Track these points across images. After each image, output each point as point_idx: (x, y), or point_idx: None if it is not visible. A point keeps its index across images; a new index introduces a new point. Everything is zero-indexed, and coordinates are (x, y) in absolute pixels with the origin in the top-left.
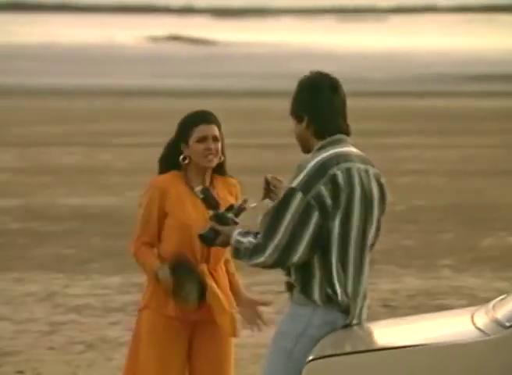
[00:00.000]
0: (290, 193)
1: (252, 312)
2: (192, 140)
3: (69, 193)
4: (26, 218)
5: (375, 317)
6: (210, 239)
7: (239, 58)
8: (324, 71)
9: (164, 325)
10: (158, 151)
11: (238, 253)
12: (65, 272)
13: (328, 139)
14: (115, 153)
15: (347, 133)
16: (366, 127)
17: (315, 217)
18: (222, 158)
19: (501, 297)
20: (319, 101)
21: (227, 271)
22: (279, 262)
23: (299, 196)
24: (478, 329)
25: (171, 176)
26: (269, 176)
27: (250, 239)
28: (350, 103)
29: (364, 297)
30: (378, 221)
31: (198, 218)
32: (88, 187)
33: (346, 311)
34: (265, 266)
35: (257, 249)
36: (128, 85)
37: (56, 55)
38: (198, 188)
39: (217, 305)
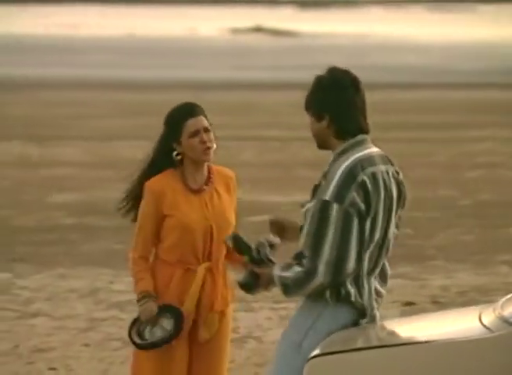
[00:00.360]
0: (326, 206)
1: None
2: (184, 136)
3: None
4: (80, 213)
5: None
6: (251, 285)
7: (322, 50)
8: (343, 67)
9: None
10: (233, 145)
11: (287, 288)
12: (113, 268)
13: (351, 141)
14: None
15: (367, 132)
16: (445, 120)
17: (356, 224)
18: (215, 147)
19: (511, 295)
20: (343, 102)
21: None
22: (335, 277)
23: (335, 207)
24: (484, 326)
25: (166, 177)
26: (273, 218)
27: (295, 269)
28: (436, 95)
29: (379, 296)
30: (398, 218)
31: (197, 216)
32: None
33: (358, 310)
34: (324, 286)
35: (308, 274)
36: (208, 78)
37: (138, 47)
38: (227, 237)
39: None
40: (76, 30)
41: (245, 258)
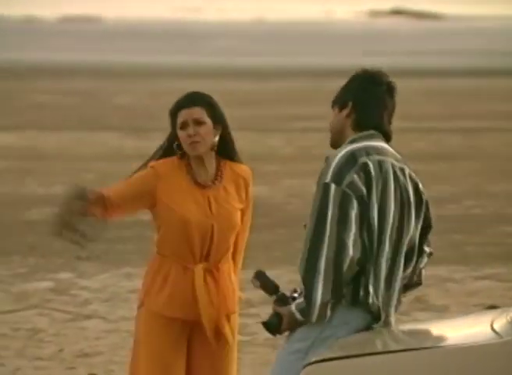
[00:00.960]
0: (325, 189)
1: None
2: (178, 127)
3: None
4: None
5: None
6: (274, 324)
7: (468, 34)
8: (383, 71)
9: (161, 326)
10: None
11: (305, 311)
12: None
13: (364, 133)
14: (285, 138)
15: (388, 138)
16: None
17: (355, 207)
18: (216, 140)
19: None
20: (371, 94)
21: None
22: (337, 263)
23: (333, 187)
24: (494, 331)
25: (172, 163)
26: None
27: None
28: None
29: (395, 304)
30: (421, 236)
31: (197, 211)
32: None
33: (374, 313)
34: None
35: (311, 258)
36: (336, 65)
37: (266, 33)
38: (252, 278)
39: (203, 307)
40: (199, 13)
41: (272, 298)
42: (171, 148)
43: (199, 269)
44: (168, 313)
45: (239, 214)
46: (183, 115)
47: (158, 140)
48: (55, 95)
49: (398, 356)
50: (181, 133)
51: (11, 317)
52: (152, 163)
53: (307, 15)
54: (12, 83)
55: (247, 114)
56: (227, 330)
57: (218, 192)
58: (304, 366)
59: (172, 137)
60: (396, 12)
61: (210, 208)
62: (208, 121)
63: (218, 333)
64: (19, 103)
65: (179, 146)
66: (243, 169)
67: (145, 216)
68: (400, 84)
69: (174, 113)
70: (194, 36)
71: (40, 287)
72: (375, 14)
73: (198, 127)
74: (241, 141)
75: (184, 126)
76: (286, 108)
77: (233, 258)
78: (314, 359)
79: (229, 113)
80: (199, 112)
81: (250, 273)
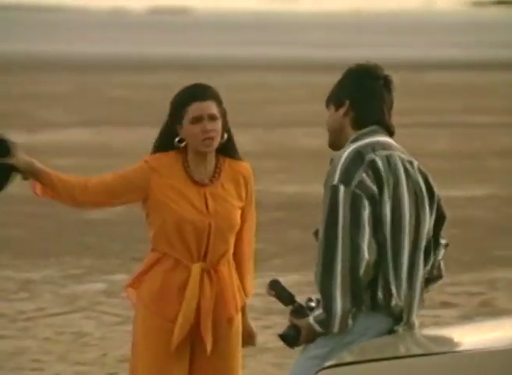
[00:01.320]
0: (334, 191)
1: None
2: (186, 121)
3: (288, 180)
4: None
5: None
6: (292, 337)
7: None
8: (379, 64)
9: (162, 329)
10: (433, 133)
11: (324, 322)
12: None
13: (367, 129)
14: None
15: (391, 133)
16: None
17: (366, 207)
18: (225, 138)
19: None
20: (368, 89)
21: (240, 278)
22: (353, 269)
23: (342, 189)
24: None
25: (168, 157)
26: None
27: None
28: None
29: (418, 303)
30: (436, 228)
31: (192, 209)
32: (314, 172)
33: (396, 316)
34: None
35: (326, 266)
36: (428, 57)
37: (363, 24)
38: (267, 288)
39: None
40: (295, 4)
41: (290, 308)
42: (167, 143)
43: (196, 268)
44: (172, 316)
45: (238, 213)
46: (197, 109)
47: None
48: (138, 90)
49: (416, 361)
50: (193, 128)
51: (57, 320)
52: (146, 157)
53: (406, 5)
54: (95, 77)
55: (321, 108)
56: (227, 334)
57: (216, 190)
58: (319, 371)
59: (171, 131)
60: (500, 2)
61: (207, 206)
62: (219, 116)
63: (217, 339)
64: (99, 98)
65: (180, 141)
66: (243, 166)
67: None
68: (489, 78)
69: (182, 106)
70: (289, 27)
71: (92, 289)
72: (478, 4)
73: (213, 123)
74: (318, 139)
75: (198, 120)
76: None
77: (241, 260)
78: (329, 364)
79: (303, 109)
80: (213, 107)
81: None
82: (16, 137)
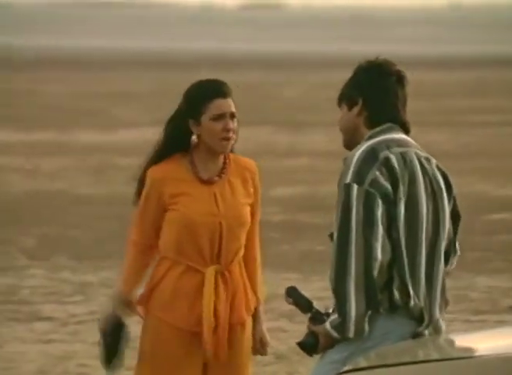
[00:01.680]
0: (346, 189)
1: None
2: (205, 117)
3: None
4: (296, 209)
5: None
6: (310, 344)
7: None
8: (390, 60)
9: (173, 338)
10: (504, 132)
11: (339, 327)
12: (303, 272)
13: (382, 127)
14: (452, 133)
15: (407, 130)
16: None
17: (380, 207)
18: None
19: None
20: (381, 86)
21: (250, 279)
22: (367, 270)
23: (355, 188)
24: None
25: (171, 164)
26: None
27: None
28: None
29: (440, 303)
30: (455, 222)
31: (203, 210)
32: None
33: (417, 318)
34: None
35: (340, 268)
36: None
37: (461, 19)
38: (285, 295)
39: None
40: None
41: (308, 315)
42: (178, 140)
43: (210, 272)
44: (183, 324)
45: (248, 209)
46: (219, 106)
47: (306, 134)
48: None
49: (432, 366)
50: (214, 125)
51: None
52: (150, 172)
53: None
54: (177, 74)
55: (422, 106)
56: (241, 340)
57: (224, 187)
58: None
59: (184, 128)
60: None
61: (217, 206)
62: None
63: (232, 344)
64: (179, 96)
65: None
66: (248, 161)
67: (278, 216)
68: None
69: (203, 101)
70: (381, 23)
71: None
72: None
73: (233, 122)
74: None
75: (220, 118)
76: (461, 100)
77: (247, 257)
78: (345, 369)
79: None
80: (233, 105)
81: None
82: (92, 136)
